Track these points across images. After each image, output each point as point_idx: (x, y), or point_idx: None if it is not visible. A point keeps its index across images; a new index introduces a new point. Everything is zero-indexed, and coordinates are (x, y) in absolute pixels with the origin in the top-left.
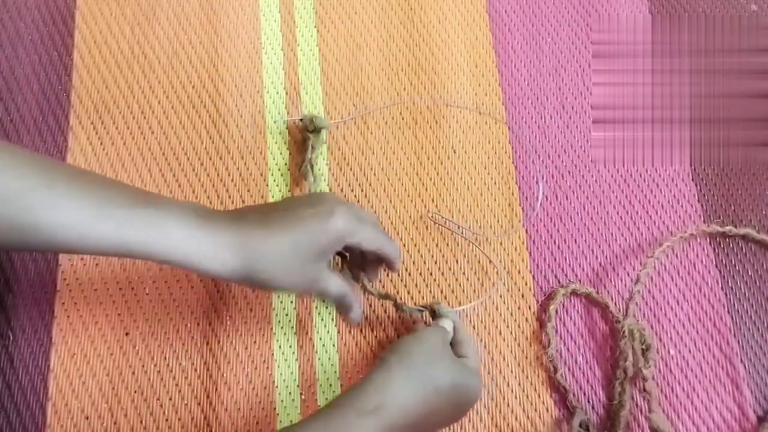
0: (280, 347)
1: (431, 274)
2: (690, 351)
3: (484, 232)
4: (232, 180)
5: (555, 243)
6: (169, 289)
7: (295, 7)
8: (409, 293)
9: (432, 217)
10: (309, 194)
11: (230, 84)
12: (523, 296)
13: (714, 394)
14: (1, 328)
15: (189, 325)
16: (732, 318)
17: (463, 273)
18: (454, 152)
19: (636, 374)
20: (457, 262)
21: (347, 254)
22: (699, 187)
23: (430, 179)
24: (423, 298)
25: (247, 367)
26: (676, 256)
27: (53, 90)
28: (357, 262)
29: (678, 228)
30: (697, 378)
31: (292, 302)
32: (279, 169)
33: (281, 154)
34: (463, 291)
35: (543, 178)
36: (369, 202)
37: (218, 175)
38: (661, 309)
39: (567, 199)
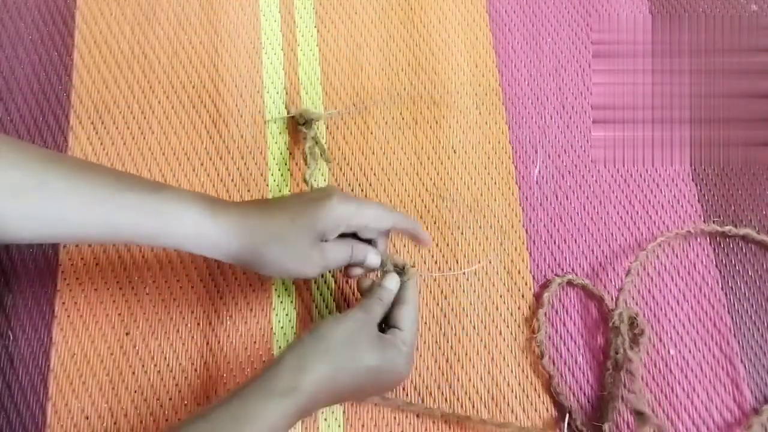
0: (280, 347)
1: (431, 273)
2: (690, 351)
3: (484, 232)
4: (232, 180)
5: (555, 243)
6: (169, 289)
7: (295, 7)
8: None
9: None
10: (311, 190)
11: (230, 84)
12: (523, 296)
13: (714, 394)
14: (1, 328)
15: (189, 325)
16: (732, 318)
17: (464, 273)
18: (454, 152)
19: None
20: (457, 262)
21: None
22: (699, 187)
23: (430, 179)
24: (423, 298)
25: (247, 367)
26: (676, 256)
27: (53, 90)
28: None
29: (679, 228)
30: (697, 378)
31: (292, 302)
32: (279, 169)
33: (281, 154)
34: (464, 291)
35: (543, 178)
36: None
37: (218, 175)
38: (661, 309)
39: (567, 199)
